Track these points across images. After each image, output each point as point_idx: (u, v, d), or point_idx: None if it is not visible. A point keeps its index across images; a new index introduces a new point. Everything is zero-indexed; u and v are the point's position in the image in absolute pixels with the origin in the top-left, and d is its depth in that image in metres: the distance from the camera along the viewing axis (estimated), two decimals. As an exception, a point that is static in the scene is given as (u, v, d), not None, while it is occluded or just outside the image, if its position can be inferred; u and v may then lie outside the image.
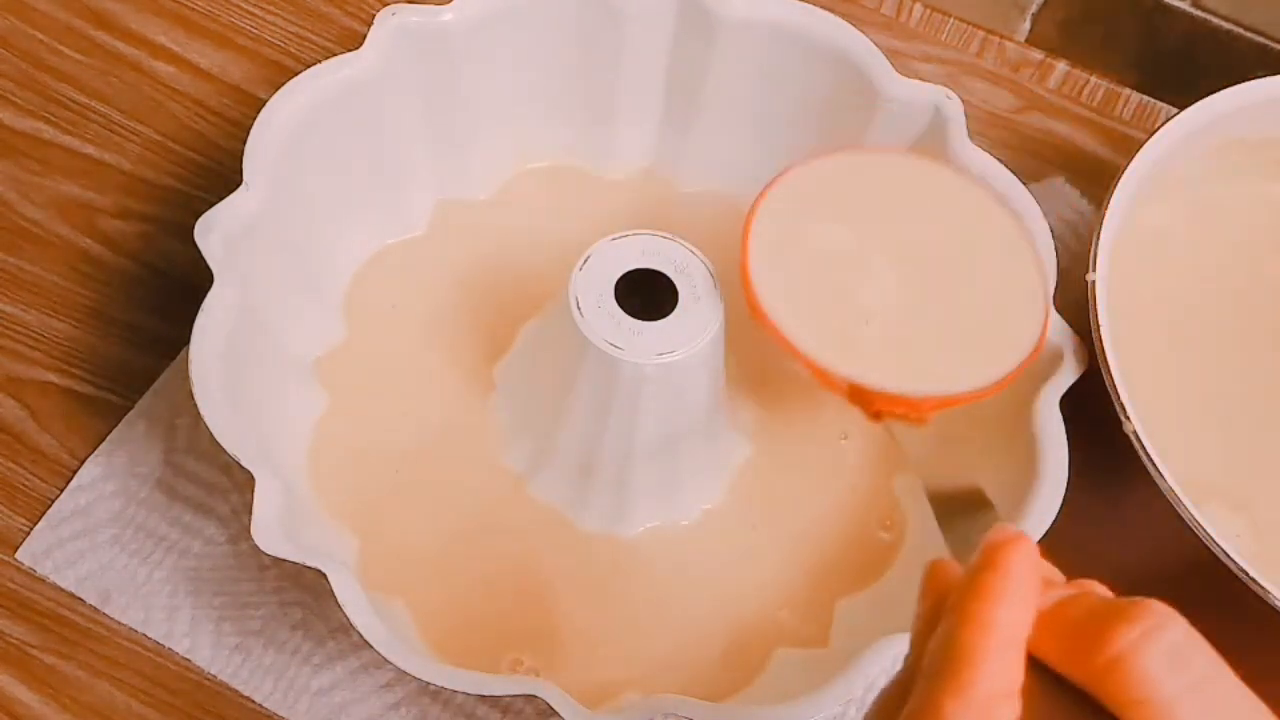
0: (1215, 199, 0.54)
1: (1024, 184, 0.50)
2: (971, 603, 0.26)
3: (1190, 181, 0.52)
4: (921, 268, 0.44)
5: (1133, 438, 0.42)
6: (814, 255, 0.44)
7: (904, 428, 0.41)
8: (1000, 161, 0.50)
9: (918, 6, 0.66)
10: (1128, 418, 0.42)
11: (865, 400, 0.42)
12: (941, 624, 0.27)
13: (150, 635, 0.48)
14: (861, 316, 0.43)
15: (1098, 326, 0.44)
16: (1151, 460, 0.41)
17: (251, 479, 0.41)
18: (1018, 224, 0.45)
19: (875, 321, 0.43)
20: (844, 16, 0.51)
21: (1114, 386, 0.43)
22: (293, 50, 0.63)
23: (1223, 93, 0.49)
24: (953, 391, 0.41)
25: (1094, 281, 0.44)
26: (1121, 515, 0.46)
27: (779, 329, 0.42)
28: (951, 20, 0.66)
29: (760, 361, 0.53)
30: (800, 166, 0.45)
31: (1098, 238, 0.45)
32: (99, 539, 0.50)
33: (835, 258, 0.44)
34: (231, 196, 0.46)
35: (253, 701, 0.48)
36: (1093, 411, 0.44)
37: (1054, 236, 0.48)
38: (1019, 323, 0.43)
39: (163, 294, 0.55)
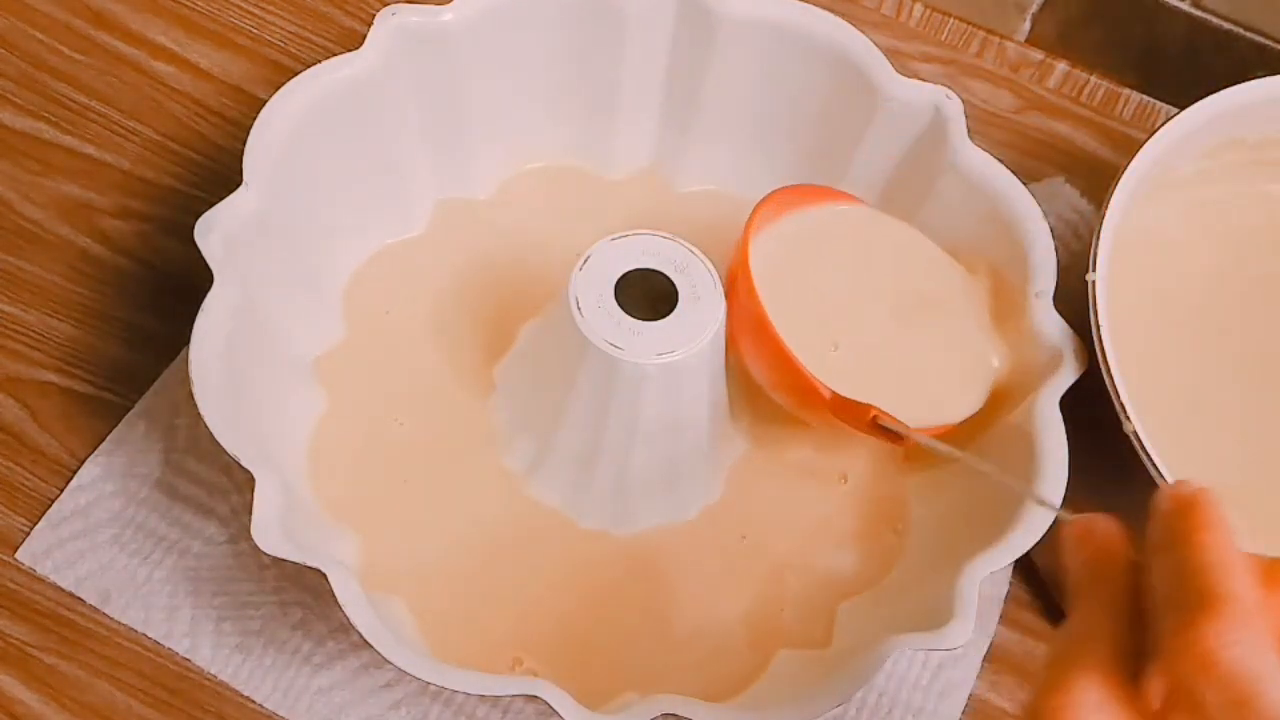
0: (1215, 199, 0.54)
1: (1024, 184, 0.50)
2: (1198, 533, 0.28)
3: (1190, 181, 0.52)
4: (890, 313, 0.48)
5: (1132, 438, 0.42)
6: (805, 290, 0.48)
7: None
8: (1000, 161, 0.50)
9: (918, 6, 0.66)
10: (1128, 418, 0.42)
11: (850, 412, 0.45)
12: (1165, 561, 0.29)
13: (150, 635, 0.48)
14: (843, 344, 0.47)
15: (1098, 326, 0.44)
16: (1151, 460, 0.41)
17: (251, 479, 0.41)
18: (973, 286, 0.50)
19: (860, 348, 0.47)
20: (844, 16, 0.51)
21: (1114, 386, 0.43)
22: (293, 50, 0.63)
23: (1223, 93, 0.49)
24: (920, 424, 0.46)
25: (1094, 281, 0.44)
26: (1121, 515, 0.46)
27: (782, 343, 0.45)
28: (951, 20, 0.66)
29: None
30: (788, 212, 0.49)
31: (1098, 238, 0.45)
32: (99, 539, 0.50)
33: (822, 294, 0.48)
34: (231, 196, 0.46)
35: (253, 701, 0.47)
36: (1093, 411, 0.44)
37: (1054, 236, 0.49)
38: (963, 385, 0.48)
39: (163, 294, 0.55)
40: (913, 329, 0.48)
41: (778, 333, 0.45)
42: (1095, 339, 0.44)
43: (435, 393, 0.52)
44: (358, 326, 0.53)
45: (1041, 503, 0.41)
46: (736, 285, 0.46)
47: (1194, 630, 0.27)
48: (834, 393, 0.45)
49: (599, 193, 0.57)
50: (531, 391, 0.50)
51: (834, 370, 0.46)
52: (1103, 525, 0.32)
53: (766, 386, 0.48)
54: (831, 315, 0.48)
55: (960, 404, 0.48)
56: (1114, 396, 0.42)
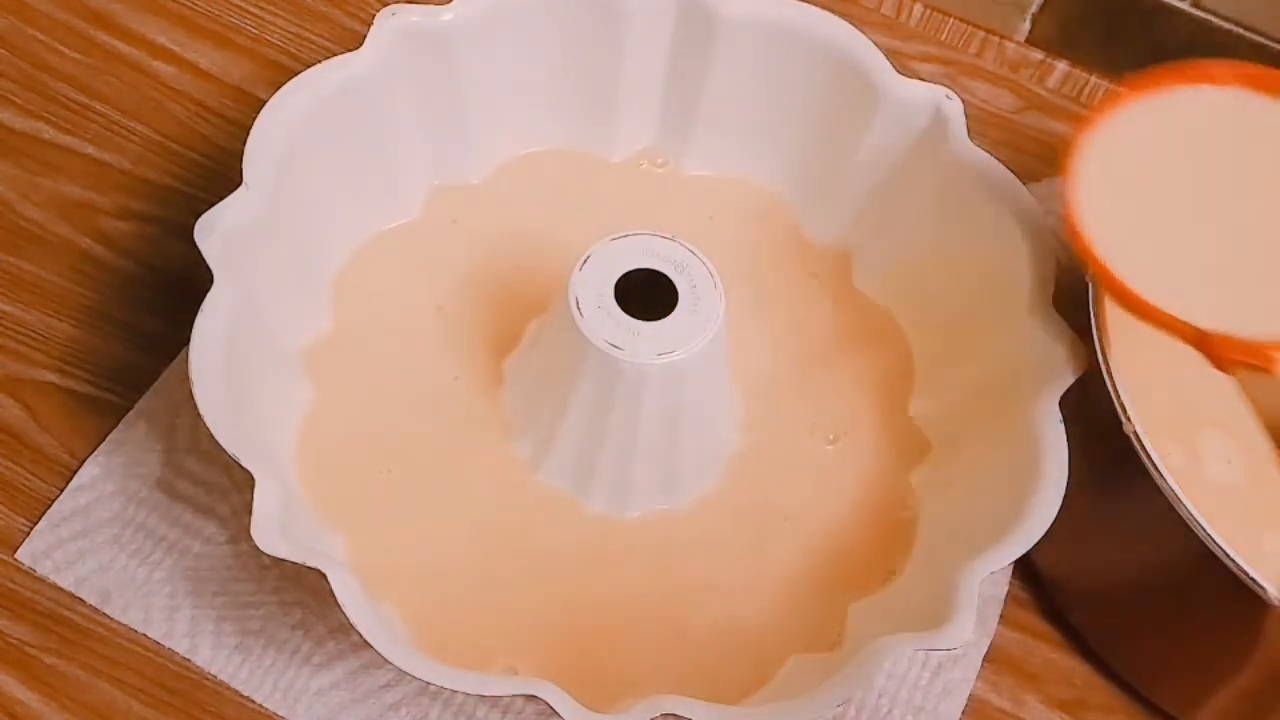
0: None
1: (1024, 184, 0.50)
2: None
3: None
4: (1262, 213, 0.43)
5: (1133, 438, 0.42)
6: (1151, 199, 0.43)
7: (1255, 379, 0.40)
8: (1000, 161, 0.50)
9: (918, 6, 0.66)
10: (1128, 418, 0.42)
11: (1213, 349, 0.40)
12: None
13: (150, 635, 0.48)
14: (1207, 261, 0.42)
15: (1098, 326, 0.44)
16: (1151, 460, 0.41)
17: (251, 479, 0.41)
18: None
19: (1221, 267, 0.42)
20: (844, 16, 0.51)
21: (1114, 386, 0.42)
22: (293, 50, 0.63)
23: None
24: None
25: (1094, 282, 0.44)
26: (1121, 515, 0.46)
27: (1119, 279, 0.41)
28: (951, 20, 0.66)
29: (757, 358, 0.53)
30: (1128, 103, 0.43)
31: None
32: (99, 539, 0.50)
33: (1174, 202, 0.43)
34: (231, 196, 0.46)
35: (253, 701, 0.48)
36: (1093, 411, 0.44)
37: (1054, 236, 0.48)
38: None
39: (163, 294, 0.55)
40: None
41: (1127, 284, 0.40)
42: (1095, 339, 0.44)
43: (430, 383, 0.52)
44: (350, 319, 0.53)
45: None
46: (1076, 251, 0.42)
47: None
48: (1200, 331, 0.40)
49: (598, 185, 0.57)
50: (534, 389, 0.50)
51: (1214, 297, 0.41)
52: None
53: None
54: (1200, 229, 0.42)
55: None
56: (1114, 397, 0.42)
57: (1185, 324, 0.40)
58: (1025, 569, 0.52)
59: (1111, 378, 0.43)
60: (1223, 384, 0.50)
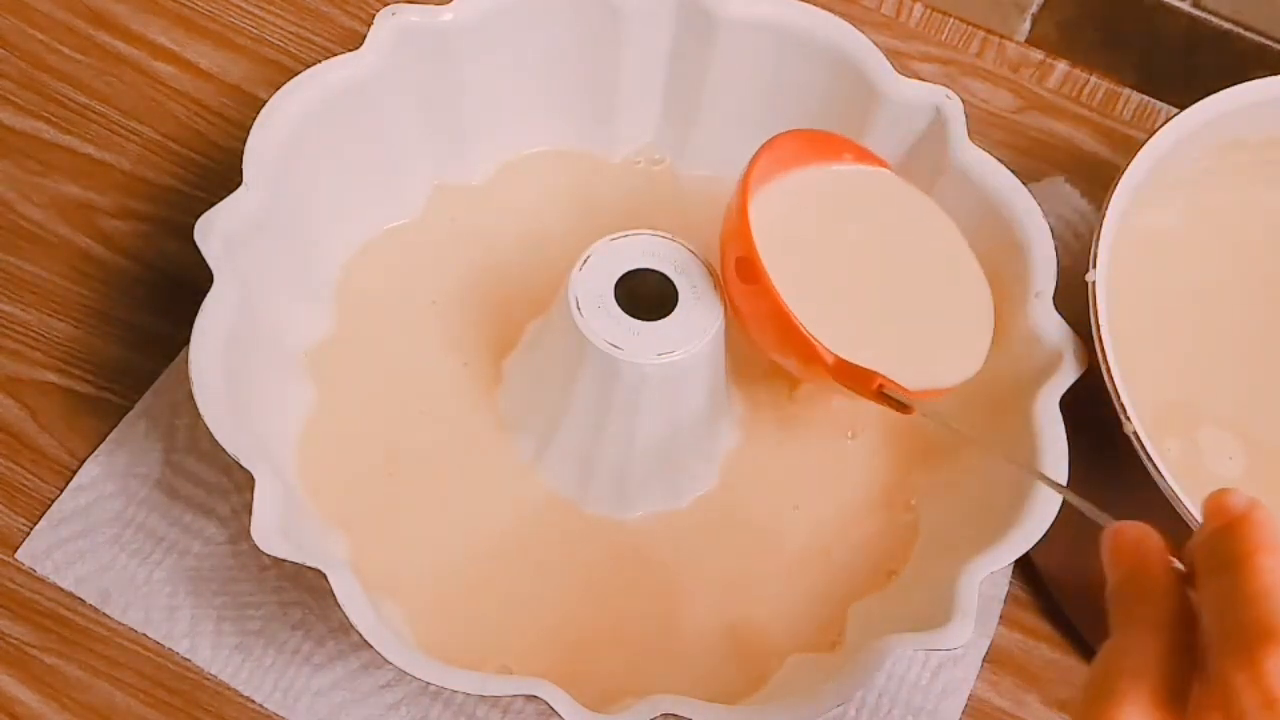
0: (1215, 201, 0.54)
1: (1024, 184, 0.50)
2: (1254, 555, 0.27)
3: (1191, 181, 0.52)
4: (897, 273, 0.47)
5: (1133, 438, 0.42)
6: (809, 248, 0.46)
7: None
8: (1000, 161, 0.50)
9: (918, 6, 0.66)
10: (1128, 418, 0.42)
11: (855, 378, 0.43)
12: (1218, 584, 0.27)
13: (150, 635, 0.48)
14: (854, 305, 0.46)
15: (1098, 326, 0.44)
16: (1151, 460, 0.41)
17: (251, 479, 0.41)
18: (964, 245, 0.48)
19: (863, 311, 0.46)
20: (844, 16, 0.51)
21: (1114, 386, 0.43)
22: (293, 50, 0.63)
23: (1223, 92, 0.49)
24: (930, 385, 0.44)
25: (1094, 282, 0.44)
26: (1121, 515, 0.46)
27: (782, 301, 0.43)
28: (951, 20, 0.66)
29: (757, 357, 0.53)
30: (794, 169, 0.47)
31: (1098, 237, 0.45)
32: (99, 539, 0.50)
33: (827, 253, 0.47)
34: (231, 196, 0.46)
35: (253, 701, 0.48)
36: (1093, 411, 0.44)
37: (1054, 236, 0.49)
38: (971, 338, 0.46)
39: (163, 294, 0.55)
40: (916, 291, 0.47)
41: (778, 292, 0.43)
42: (1095, 339, 0.44)
43: (430, 383, 0.52)
44: (352, 320, 0.53)
45: (1059, 489, 0.38)
46: (734, 239, 0.44)
47: (1255, 664, 0.25)
48: (837, 357, 0.44)
49: (598, 183, 0.57)
50: (534, 388, 0.50)
51: (836, 333, 0.44)
52: (1142, 535, 0.30)
53: (769, 349, 0.46)
54: (833, 276, 0.46)
55: (958, 368, 0.46)
56: (1114, 397, 0.42)
57: (827, 354, 0.43)
58: (1025, 569, 0.52)
59: (1111, 378, 0.43)
60: (1224, 382, 0.50)
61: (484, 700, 0.48)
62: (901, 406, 0.44)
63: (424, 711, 0.48)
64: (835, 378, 0.44)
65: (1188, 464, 0.48)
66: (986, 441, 0.42)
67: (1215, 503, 0.29)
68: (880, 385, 0.43)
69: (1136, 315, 0.48)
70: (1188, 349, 0.51)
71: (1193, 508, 0.40)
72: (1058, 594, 0.52)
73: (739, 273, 0.45)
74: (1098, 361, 0.43)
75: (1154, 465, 0.41)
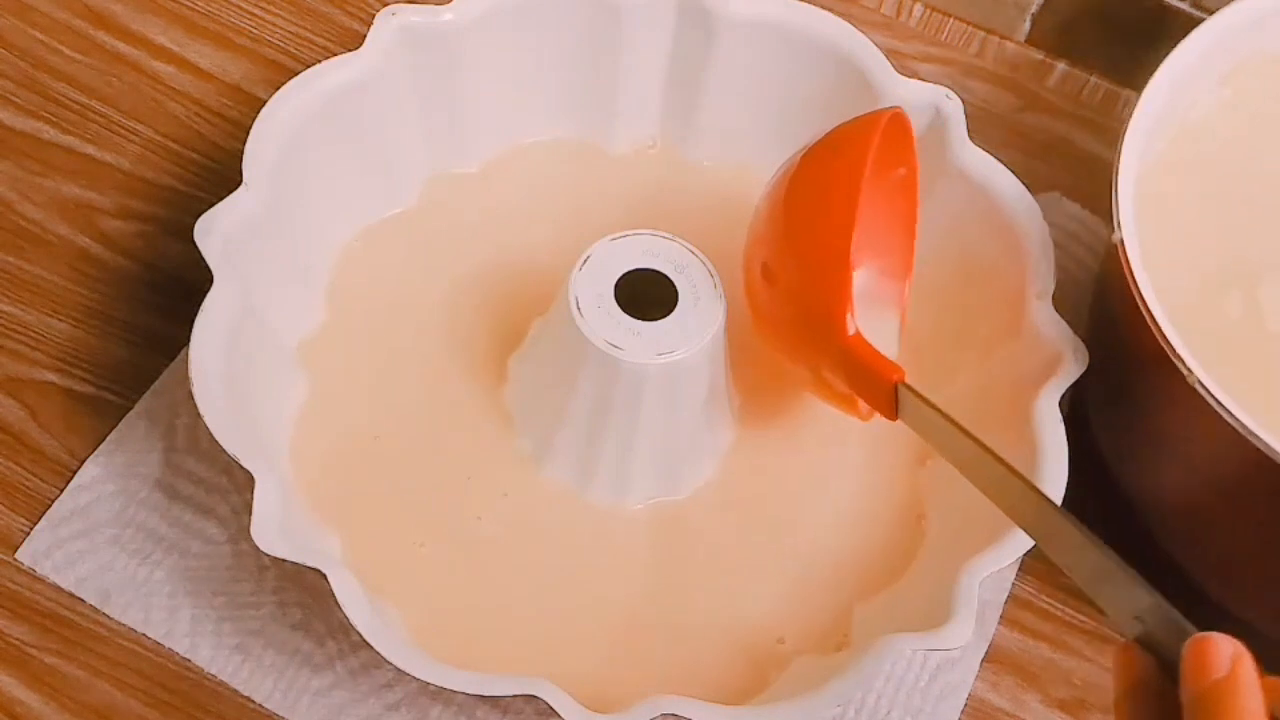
0: (1236, 137, 0.50)
1: (1024, 184, 0.50)
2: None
3: (1208, 120, 0.50)
4: None
5: (1199, 387, 0.39)
6: None
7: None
8: (1000, 161, 0.50)
9: (918, 6, 0.66)
10: (1189, 370, 0.39)
11: (868, 364, 0.43)
12: None
13: (150, 635, 0.48)
14: None
15: (1135, 285, 0.41)
16: (1225, 408, 0.39)
17: (251, 479, 0.41)
18: None
19: None
20: (844, 16, 0.52)
21: (1164, 337, 0.40)
22: (293, 50, 0.63)
23: (1237, 3, 0.47)
24: None
25: (1121, 240, 0.42)
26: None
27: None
28: (951, 20, 0.66)
29: (758, 353, 0.53)
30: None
31: (1116, 191, 0.43)
32: (99, 539, 0.50)
33: None
34: (231, 196, 0.46)
35: (253, 701, 0.47)
36: (1091, 412, 0.43)
37: (1053, 236, 0.49)
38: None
39: (163, 294, 0.55)
40: None
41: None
42: (1135, 295, 0.41)
43: (428, 377, 0.52)
44: (347, 315, 0.53)
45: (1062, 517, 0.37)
46: (761, 243, 0.45)
47: None
48: (859, 332, 0.43)
49: (598, 180, 0.57)
50: (535, 387, 0.50)
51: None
52: (1139, 660, 0.32)
53: (784, 353, 0.46)
54: None
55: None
56: (1164, 343, 0.40)
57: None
58: (1025, 568, 0.52)
59: (1159, 326, 0.40)
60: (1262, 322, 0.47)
61: (484, 700, 0.48)
62: (890, 411, 0.44)
63: (424, 711, 0.48)
64: (847, 369, 0.43)
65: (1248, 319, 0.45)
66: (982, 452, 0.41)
67: (1198, 656, 0.29)
68: (899, 379, 0.43)
69: (1166, 272, 0.44)
70: (1222, 300, 0.47)
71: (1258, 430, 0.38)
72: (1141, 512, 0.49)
73: (764, 275, 0.45)
74: (1143, 314, 0.41)
75: (1227, 411, 0.39)
